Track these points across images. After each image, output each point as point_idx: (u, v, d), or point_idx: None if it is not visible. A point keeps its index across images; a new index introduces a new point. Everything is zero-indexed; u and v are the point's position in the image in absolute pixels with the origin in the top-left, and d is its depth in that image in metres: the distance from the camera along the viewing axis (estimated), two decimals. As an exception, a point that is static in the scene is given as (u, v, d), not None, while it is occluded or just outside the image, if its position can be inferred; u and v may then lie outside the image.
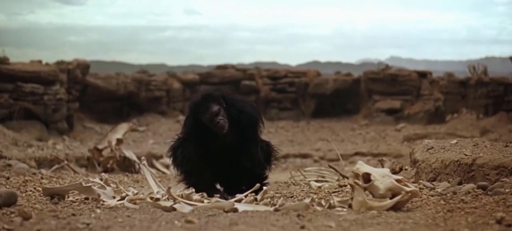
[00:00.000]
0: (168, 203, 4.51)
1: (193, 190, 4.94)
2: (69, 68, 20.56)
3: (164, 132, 21.74)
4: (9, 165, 10.13)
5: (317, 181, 7.53)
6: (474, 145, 6.30)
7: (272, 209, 4.35)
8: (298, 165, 15.21)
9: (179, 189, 5.39)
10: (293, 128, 23.30)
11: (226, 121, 5.28)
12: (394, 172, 6.72)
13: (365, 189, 4.48)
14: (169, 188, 4.68)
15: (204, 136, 5.33)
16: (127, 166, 11.60)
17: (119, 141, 11.91)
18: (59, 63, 20.57)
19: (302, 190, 6.41)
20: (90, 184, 5.10)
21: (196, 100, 5.39)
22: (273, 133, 21.60)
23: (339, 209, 4.46)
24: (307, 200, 4.57)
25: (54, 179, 8.30)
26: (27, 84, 18.46)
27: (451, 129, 20.33)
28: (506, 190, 4.84)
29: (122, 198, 4.91)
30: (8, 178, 7.37)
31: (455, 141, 6.61)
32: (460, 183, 5.38)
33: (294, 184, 7.42)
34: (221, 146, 5.36)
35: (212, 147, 5.35)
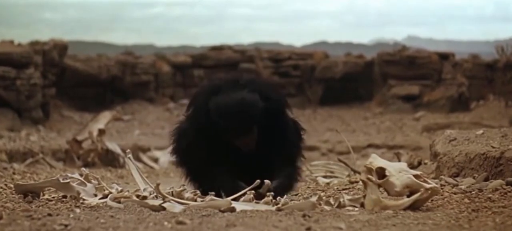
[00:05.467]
0: (157, 202, 4.51)
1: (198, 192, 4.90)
2: (44, 49, 20.53)
3: (152, 121, 21.75)
4: (-23, 159, 10.14)
5: (325, 176, 7.54)
6: (502, 136, 6.29)
7: (274, 208, 4.35)
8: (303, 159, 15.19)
9: (169, 186, 5.38)
10: (297, 116, 23.28)
11: (256, 138, 4.92)
12: (412, 166, 6.73)
13: (379, 185, 4.48)
14: (158, 184, 4.68)
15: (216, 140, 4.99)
16: (110, 160, 11.61)
17: (101, 132, 11.92)
18: (33, 43, 20.54)
19: (308, 187, 6.42)
20: (68, 180, 5.10)
21: (229, 119, 4.76)
22: (275, 122, 21.60)
23: (350, 208, 4.46)
24: (314, 198, 4.57)
25: (28, 175, 8.31)
26: (-3, 68, 18.45)
27: (476, 118, 20.35)
28: (539, 187, 4.85)
29: (105, 196, 4.91)
30: (-25, 174, 7.37)
31: (481, 131, 6.61)
32: (486, 179, 5.38)
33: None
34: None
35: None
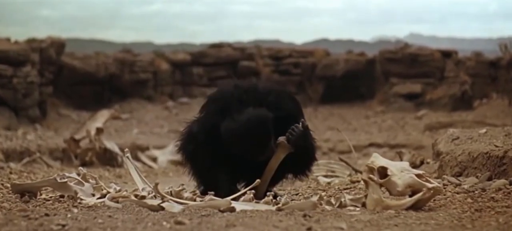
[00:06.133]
0: (155, 202, 4.51)
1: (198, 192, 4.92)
2: (41, 47, 20.54)
3: (150, 120, 21.74)
4: (-27, 158, 10.14)
5: (326, 176, 7.54)
6: (505, 135, 6.29)
7: (274, 208, 4.35)
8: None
9: (168, 186, 5.39)
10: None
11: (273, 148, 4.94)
12: (414, 165, 6.73)
13: (381, 185, 4.48)
14: (157, 184, 4.68)
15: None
16: (108, 159, 11.61)
17: (99, 130, 11.91)
18: (30, 41, 20.54)
19: (309, 187, 6.42)
20: (65, 180, 5.10)
21: (245, 145, 4.82)
22: (276, 121, 21.59)
23: (351, 208, 4.46)
24: (315, 198, 4.57)
25: (25, 174, 8.30)
26: (-6, 66, 18.44)
27: (479, 116, 20.34)
28: (543, 187, 4.85)
29: (103, 196, 4.91)
30: (-28, 173, 7.37)
31: (484, 130, 6.61)
32: (489, 179, 5.38)
33: (299, 180, 7.41)
34: None
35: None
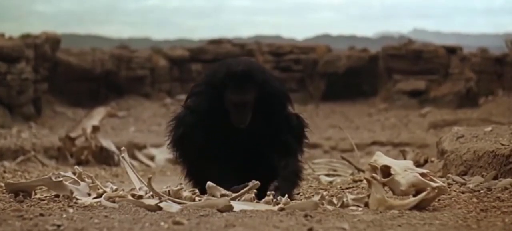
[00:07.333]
0: (153, 201, 4.51)
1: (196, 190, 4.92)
2: (36, 43, 20.53)
3: (147, 117, 21.75)
4: (-34, 157, 10.15)
5: (327, 175, 7.54)
6: (512, 133, 6.30)
7: (275, 208, 4.35)
8: (305, 156, 15.19)
9: (165, 185, 5.39)
10: (299, 112, 23.27)
11: (250, 114, 5.01)
12: (418, 164, 6.73)
13: (384, 184, 4.48)
14: (150, 178, 4.67)
15: (216, 114, 5.07)
16: (104, 158, 11.62)
17: (95, 128, 11.92)
18: (25, 37, 20.54)
19: (310, 186, 6.42)
20: (61, 179, 5.10)
21: (234, 71, 5.02)
22: (276, 118, 21.59)
23: (354, 208, 4.46)
24: (316, 198, 4.57)
25: (19, 173, 8.31)
26: (-13, 62, 18.45)
27: (485, 114, 20.35)
28: (550, 186, 4.85)
29: (99, 195, 4.91)
30: (-35, 172, 7.37)
31: (489, 128, 6.61)
32: (495, 178, 5.38)
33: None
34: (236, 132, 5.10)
35: (225, 130, 5.09)
